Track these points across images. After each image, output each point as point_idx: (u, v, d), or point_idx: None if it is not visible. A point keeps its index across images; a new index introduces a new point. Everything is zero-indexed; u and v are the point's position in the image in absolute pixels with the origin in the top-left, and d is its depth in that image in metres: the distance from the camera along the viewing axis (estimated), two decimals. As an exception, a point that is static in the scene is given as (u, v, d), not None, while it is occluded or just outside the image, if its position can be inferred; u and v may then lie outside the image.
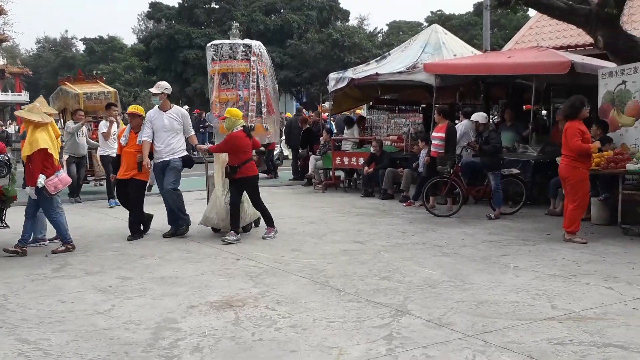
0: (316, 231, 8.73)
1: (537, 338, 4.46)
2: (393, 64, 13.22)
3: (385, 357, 4.15)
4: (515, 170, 10.22)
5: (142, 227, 8.66)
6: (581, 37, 13.78)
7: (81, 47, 79.66)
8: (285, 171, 17.22)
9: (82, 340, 4.50)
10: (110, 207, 11.16)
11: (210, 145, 10.56)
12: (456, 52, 13.22)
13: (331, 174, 13.85)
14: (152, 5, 53.20)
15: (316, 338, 4.50)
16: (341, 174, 14.20)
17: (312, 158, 14.36)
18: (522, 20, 36.51)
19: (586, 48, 13.80)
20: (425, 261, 6.87)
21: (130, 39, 78.60)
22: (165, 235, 8.43)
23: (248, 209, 8.51)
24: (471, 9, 54.35)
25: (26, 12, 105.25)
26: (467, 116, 11.38)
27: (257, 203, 8.34)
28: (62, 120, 14.02)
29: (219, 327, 4.76)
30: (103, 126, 11.50)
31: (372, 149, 12.78)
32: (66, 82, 14.01)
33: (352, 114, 17.35)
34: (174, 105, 8.93)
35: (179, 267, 6.70)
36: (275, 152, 18.60)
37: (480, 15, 48.87)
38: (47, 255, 7.39)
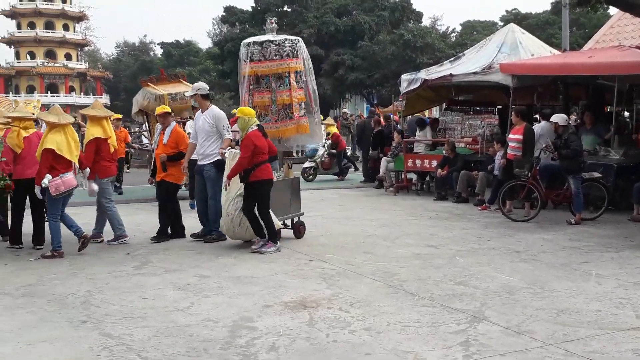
0: (388, 234, 8.69)
1: (621, 348, 4.30)
2: (467, 64, 13.01)
3: (462, 363, 4.10)
4: (596, 174, 9.86)
5: (170, 230, 8.54)
6: (667, 35, 13.17)
7: (159, 51, 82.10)
8: (355, 173, 17.24)
9: (162, 336, 4.65)
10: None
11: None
12: (534, 52, 12.88)
13: (403, 176, 13.76)
14: (226, 9, 54.35)
15: (391, 342, 4.48)
16: (413, 176, 14.09)
17: (383, 160, 14.30)
18: (602, 18, 35.20)
19: (672, 47, 13.17)
20: (502, 267, 6.73)
21: (205, 43, 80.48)
22: (193, 235, 8.36)
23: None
24: (549, 8, 52.84)
25: (106, 17, 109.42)
26: (546, 117, 11.09)
27: (263, 211, 7.60)
28: (146, 123, 13.79)
29: (294, 327, 4.82)
30: (189, 127, 10.70)
31: (444, 152, 12.63)
32: (149, 83, 13.16)
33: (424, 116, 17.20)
34: (212, 106, 8.48)
35: (253, 267, 6.81)
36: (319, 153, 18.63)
37: (558, 13, 47.57)
38: (128, 253, 7.65)
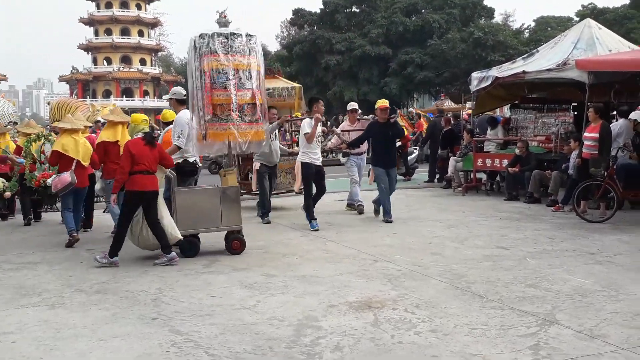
0: (456, 235, 8.56)
1: None
2: (541, 61, 12.67)
3: (531, 367, 3.99)
4: None
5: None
6: None
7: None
8: (420, 173, 17.07)
9: (229, 333, 4.74)
10: (314, 230, 9.14)
11: None
12: (611, 47, 12.41)
13: (472, 176, 13.53)
14: (295, 12, 54.93)
15: (457, 344, 4.42)
16: (483, 176, 13.83)
17: (452, 159, 14.09)
18: (687, 9, 33.59)
19: None
20: (575, 269, 6.52)
21: (273, 46, 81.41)
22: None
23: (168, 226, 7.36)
24: (627, 1, 50.79)
25: (179, 22, 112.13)
26: (624, 115, 10.69)
27: (148, 222, 7.24)
28: None
29: (359, 327, 4.81)
30: (307, 126, 9.41)
31: (517, 150, 12.33)
32: None
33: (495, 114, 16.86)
34: (182, 111, 8.22)
35: (319, 267, 6.85)
36: (413, 155, 18.54)
37: (637, 7, 45.72)
38: (197, 251, 7.83)
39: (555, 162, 11.79)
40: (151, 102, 67.83)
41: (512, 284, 6.00)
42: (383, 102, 10.00)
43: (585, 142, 9.96)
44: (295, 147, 11.25)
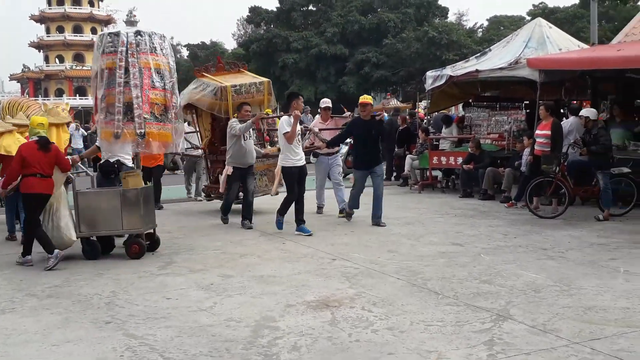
0: (413, 232, 8.64)
1: (650, 348, 4.21)
2: (494, 60, 12.88)
3: (486, 362, 4.05)
4: (625, 169, 9.69)
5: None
6: (700, 26, 12.85)
7: (185, 52, 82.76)
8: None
9: (185, 336, 4.67)
10: (307, 235, 8.56)
11: None
12: (562, 46, 12.70)
13: (428, 173, 13.67)
14: (251, 9, 54.63)
15: (414, 341, 4.45)
16: (438, 174, 13.98)
17: (408, 157, 14.22)
18: (632, 11, 34.54)
19: None
20: (528, 265, 6.64)
21: (230, 44, 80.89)
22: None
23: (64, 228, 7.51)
24: (577, 1, 52.03)
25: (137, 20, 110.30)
26: (574, 112, 10.93)
27: (26, 223, 7.29)
28: (195, 125, 11.82)
29: (316, 326, 4.81)
30: (285, 124, 8.60)
31: (469, 149, 12.51)
32: (204, 74, 10.96)
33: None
34: None
35: (277, 267, 6.82)
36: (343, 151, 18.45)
37: (586, 7, 46.79)
38: (153, 253, 7.71)
39: (508, 160, 11.99)
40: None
41: (467, 280, 6.08)
42: (365, 98, 9.40)
43: (537, 140, 10.15)
44: (269, 147, 10.60)
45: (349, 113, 10.63)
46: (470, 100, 15.17)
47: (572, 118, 10.93)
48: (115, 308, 5.43)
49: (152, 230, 7.85)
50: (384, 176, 9.31)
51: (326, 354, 4.26)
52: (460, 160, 12.70)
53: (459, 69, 13.46)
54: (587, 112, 9.82)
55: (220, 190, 10.02)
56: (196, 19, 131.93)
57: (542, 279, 6.04)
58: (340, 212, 10.02)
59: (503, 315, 4.96)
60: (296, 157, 8.70)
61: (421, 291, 5.74)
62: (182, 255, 7.53)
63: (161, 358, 4.26)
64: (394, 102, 33.79)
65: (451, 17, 56.38)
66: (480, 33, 53.91)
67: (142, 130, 7.29)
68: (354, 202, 9.49)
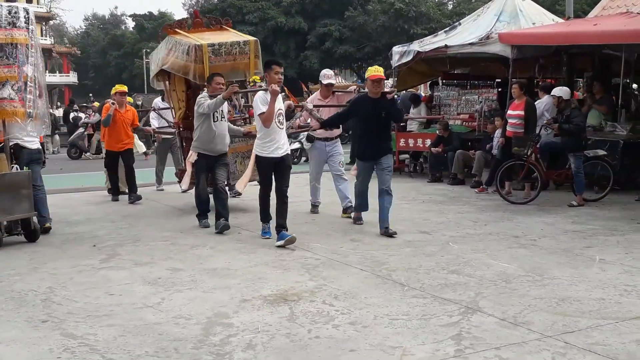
0: (377, 220, 8.66)
1: (624, 339, 4.32)
2: (464, 34, 12.99)
3: (454, 358, 4.09)
4: (601, 152, 9.89)
5: None
6: (679, 0, 13.15)
7: (131, 24, 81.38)
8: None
9: (130, 335, 4.62)
10: (264, 237, 7.76)
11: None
12: (535, 20, 12.86)
13: (395, 157, 13.75)
14: (203, -23, 53.82)
15: (377, 337, 4.48)
16: (406, 157, 14.07)
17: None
18: (610, -18, 35.06)
19: (684, 13, 13.17)
20: (499, 253, 6.74)
21: (181, 15, 79.89)
22: None
23: None
24: (553, -28, 52.69)
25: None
26: (547, 91, 11.07)
27: None
28: (168, 97, 10.35)
29: (273, 322, 4.80)
30: (260, 102, 7.33)
31: (437, 131, 12.61)
32: (177, 30, 9.57)
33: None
34: None
35: (231, 259, 6.79)
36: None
37: (562, -22, 47.48)
38: (95, 244, 7.60)
39: (479, 142, 12.14)
40: (42, 77, 65.06)
41: (434, 270, 6.15)
42: (376, 71, 7.91)
43: (510, 120, 10.29)
44: (253, 124, 9.08)
45: (355, 87, 9.62)
46: (440, 78, 15.28)
47: (546, 97, 11.08)
48: (52, 305, 5.33)
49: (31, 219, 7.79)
50: (392, 170, 8.15)
51: (284, 352, 4.26)
52: (428, 142, 12.80)
53: (427, 44, 13.53)
54: (560, 91, 9.96)
55: (182, 185, 9.14)
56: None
57: (513, 268, 6.14)
58: (345, 211, 9.06)
59: (472, 308, 5.03)
60: (274, 144, 7.40)
61: (385, 283, 5.78)
62: (127, 247, 7.43)
63: (102, 359, 4.21)
64: (339, 81, 34.06)
65: (420, -12, 56.51)
66: (451, 6, 54.19)
67: (31, 111, 7.63)
68: (362, 203, 8.39)
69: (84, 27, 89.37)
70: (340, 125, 9.10)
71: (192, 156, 8.37)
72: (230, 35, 9.45)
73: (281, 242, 7.24)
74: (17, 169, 7.83)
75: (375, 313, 4.96)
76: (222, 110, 8.27)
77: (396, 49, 14.09)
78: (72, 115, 24.40)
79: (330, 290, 5.57)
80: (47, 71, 66.98)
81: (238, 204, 10.03)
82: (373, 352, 4.22)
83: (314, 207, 9.52)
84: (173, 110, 10.34)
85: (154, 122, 12.43)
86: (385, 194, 7.91)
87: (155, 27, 73.45)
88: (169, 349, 4.35)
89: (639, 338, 4.34)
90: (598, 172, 10.01)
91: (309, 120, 8.84)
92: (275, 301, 5.31)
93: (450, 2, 55.36)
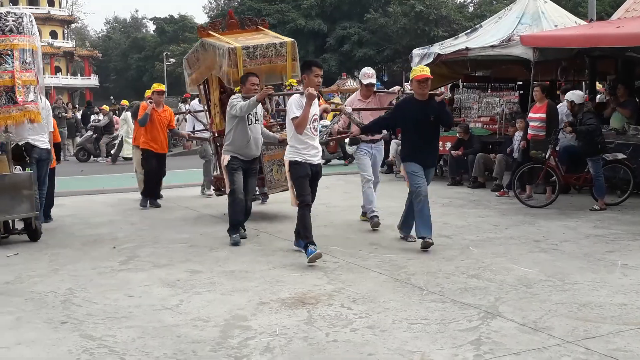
0: (397, 223, 8.63)
1: (647, 346, 4.27)
2: (485, 37, 12.93)
3: (473, 363, 4.07)
4: (621, 156, 9.79)
5: None
6: None
7: (151, 27, 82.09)
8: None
9: (148, 337, 4.64)
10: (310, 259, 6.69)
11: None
12: (557, 22, 12.78)
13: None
14: (223, -20, 54.10)
15: (395, 341, 4.46)
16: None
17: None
18: (634, -16, 34.66)
19: None
20: (520, 258, 6.69)
21: (201, 18, 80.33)
22: None
23: None
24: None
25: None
26: (569, 95, 10.99)
27: None
28: (205, 98, 9.86)
29: (291, 326, 4.80)
30: (295, 106, 6.77)
31: (457, 134, 12.56)
32: (210, 32, 9.23)
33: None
34: None
35: (249, 261, 6.80)
36: None
37: (585, -21, 47.08)
38: (114, 246, 7.66)
39: (500, 145, 12.06)
40: (64, 80, 65.77)
41: (454, 274, 6.11)
42: (422, 71, 7.22)
43: (531, 124, 10.22)
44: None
45: (398, 88, 8.97)
46: (460, 81, 15.21)
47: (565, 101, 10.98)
48: (71, 307, 5.38)
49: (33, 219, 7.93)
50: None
51: (301, 356, 4.26)
52: (448, 145, 12.74)
53: (448, 46, 13.48)
54: (572, 95, 9.89)
55: (211, 190, 9.14)
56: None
57: (534, 273, 6.09)
58: (364, 214, 8.79)
59: (492, 313, 4.99)
60: (309, 151, 6.84)
61: (404, 287, 5.76)
62: (146, 249, 7.48)
63: (121, 361, 4.24)
64: (350, 84, 33.61)
65: (440, -10, 56.38)
66: (472, 8, 54.00)
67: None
68: (419, 207, 7.24)
69: (106, 30, 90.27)
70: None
71: (224, 159, 7.86)
72: (266, 37, 9.03)
73: (298, 249, 7.01)
74: (20, 169, 8.01)
75: (393, 317, 4.95)
76: (256, 113, 7.82)
77: (416, 51, 14.06)
78: (92, 117, 24.63)
79: (349, 294, 5.56)
80: (68, 74, 67.86)
81: (258, 205, 10.05)
82: (392, 357, 4.21)
83: (373, 219, 8.44)
84: (207, 113, 10.08)
85: (188, 124, 12.35)
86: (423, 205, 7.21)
87: (175, 30, 74.14)
88: (187, 351, 4.37)
89: (662, 345, 4.29)
90: (619, 175, 9.91)
91: (345, 125, 8.60)
92: (293, 304, 5.31)
93: (471, 4, 55.19)
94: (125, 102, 23.12)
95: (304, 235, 6.79)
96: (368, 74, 8.55)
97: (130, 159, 19.29)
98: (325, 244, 7.48)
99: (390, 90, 9.53)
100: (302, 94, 6.83)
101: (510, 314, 4.95)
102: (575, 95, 9.86)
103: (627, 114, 11.16)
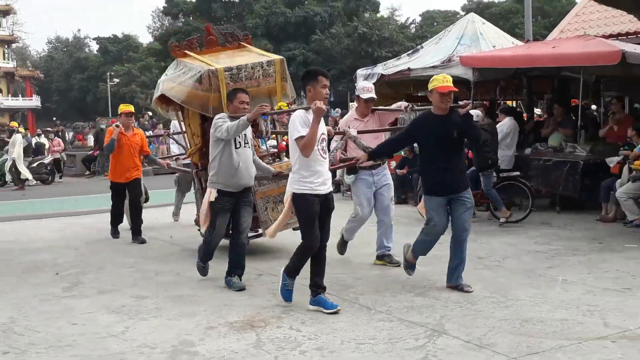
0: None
1: (588, 359, 4.37)
2: (426, 57, 13.13)
3: (420, 383, 4.10)
4: (515, 173, 10.17)
5: None
6: (633, 23, 13.54)
7: (94, 46, 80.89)
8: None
9: (93, 366, 4.53)
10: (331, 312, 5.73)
11: None
12: (495, 43, 13.08)
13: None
14: (168, 0, 53.86)
15: (344, 362, 4.46)
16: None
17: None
18: (567, 6, 35.99)
19: (638, 36, 13.56)
20: (464, 275, 6.73)
21: (145, 38, 79.63)
22: None
23: None
24: (512, -5, 53.87)
25: (36, 11, 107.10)
26: (508, 113, 11.25)
27: None
28: (180, 123, 8.94)
29: (239, 350, 4.75)
30: (299, 124, 5.68)
31: (402, 152, 12.71)
32: (187, 52, 8.13)
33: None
34: None
35: (197, 285, 6.72)
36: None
37: (521, 2, 48.53)
38: (57, 272, 7.46)
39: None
40: (4, 101, 64.13)
41: (400, 293, 6.16)
42: (445, 81, 6.18)
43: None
44: (285, 160, 8.08)
45: (405, 104, 7.76)
46: (403, 101, 15.38)
47: (507, 119, 11.25)
48: (13, 336, 5.22)
49: None
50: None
51: (250, 380, 4.22)
52: (393, 164, 12.88)
53: (391, 67, 13.64)
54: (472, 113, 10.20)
55: (201, 224, 7.21)
56: (107, 9, 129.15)
57: (478, 290, 6.18)
58: (380, 258, 7.54)
59: (438, 330, 5.04)
60: (316, 177, 5.74)
61: (352, 306, 5.77)
62: (90, 275, 7.32)
63: (65, 392, 4.12)
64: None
65: (383, 12, 57.35)
66: (413, 29, 55.00)
67: None
68: (424, 245, 6.51)
69: (47, 50, 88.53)
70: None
71: (211, 194, 6.61)
72: (251, 55, 8.03)
73: (317, 308, 5.71)
74: None
75: (342, 338, 4.95)
76: (245, 135, 6.66)
77: (360, 72, 14.19)
78: (34, 140, 23.93)
79: (297, 316, 5.54)
80: (9, 95, 66.26)
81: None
82: (340, 378, 4.20)
83: (390, 257, 7.54)
84: (186, 136, 8.74)
85: (174, 147, 11.24)
86: (462, 242, 6.36)
87: (119, 49, 73.23)
88: (133, 379, 4.28)
89: (602, 358, 4.40)
90: (514, 193, 10.27)
91: (349, 152, 7.37)
92: (242, 328, 5.27)
93: (412, 25, 56.20)
94: (14, 124, 22.60)
95: (292, 273, 5.90)
96: (367, 87, 7.59)
97: (25, 180, 18.73)
98: (275, 265, 7.43)
99: (393, 106, 8.22)
100: (307, 109, 5.77)
101: (456, 331, 5.00)
102: (474, 113, 10.13)
103: (569, 133, 11.47)
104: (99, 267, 7.70)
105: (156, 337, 5.08)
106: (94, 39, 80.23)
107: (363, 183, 7.37)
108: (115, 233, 9.70)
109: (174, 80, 7.85)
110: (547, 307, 5.60)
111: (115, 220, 9.74)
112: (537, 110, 17.18)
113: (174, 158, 10.60)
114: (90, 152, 23.19)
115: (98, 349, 4.86)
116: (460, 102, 6.34)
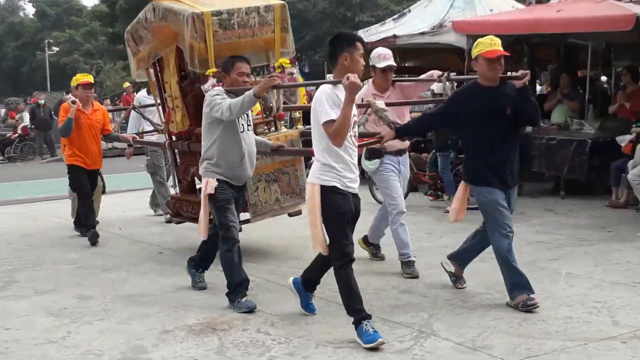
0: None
1: (594, 363, 4.45)
2: (414, 22, 13.17)
3: (405, 390, 4.14)
4: None
5: None
6: (648, -16, 13.62)
7: (30, 10, 79.80)
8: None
9: (29, 376, 4.52)
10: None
11: None
12: (493, 6, 13.14)
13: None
14: (116, -44, 53.15)
15: (319, 368, 4.49)
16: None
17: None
18: (575, -36, 35.98)
19: (654, -2, 13.66)
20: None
21: (90, 0, 78.78)
22: None
23: None
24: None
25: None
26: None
27: None
28: (157, 87, 8.19)
29: (199, 356, 4.78)
30: (327, 104, 4.97)
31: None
32: None
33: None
34: None
35: (150, 283, 6.72)
36: None
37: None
38: (-12, 271, 7.42)
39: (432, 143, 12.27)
40: None
41: (384, 290, 6.21)
42: (492, 45, 5.74)
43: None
44: (283, 130, 7.56)
45: (438, 73, 6.94)
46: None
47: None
48: (-64, 344, 5.19)
49: None
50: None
51: (211, 390, 4.24)
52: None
53: (374, 33, 13.65)
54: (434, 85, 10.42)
55: (201, 233, 6.35)
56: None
57: (471, 285, 6.24)
58: (408, 265, 6.85)
59: (425, 332, 5.09)
60: (350, 172, 5.15)
61: (329, 305, 5.81)
62: (27, 272, 7.29)
63: (-3, 407, 4.11)
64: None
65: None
66: (401, -11, 54.97)
67: None
68: (507, 261, 5.86)
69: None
70: None
71: (209, 185, 6.02)
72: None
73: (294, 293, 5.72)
74: None
75: (317, 341, 4.99)
76: (247, 115, 6.17)
77: (338, 39, 14.16)
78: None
79: (266, 317, 5.57)
80: None
81: (160, 220, 9.93)
82: (314, 387, 4.23)
83: (409, 265, 6.83)
84: (161, 108, 8.28)
85: (131, 125, 10.59)
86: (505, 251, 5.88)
87: (59, 13, 72.29)
88: (77, 391, 4.28)
89: (610, 360, 4.47)
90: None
91: (374, 127, 6.76)
92: (202, 331, 5.28)
93: (399, -15, 56.12)
94: None
95: (352, 309, 5.08)
96: (383, 54, 6.95)
97: None
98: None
99: (423, 76, 7.37)
100: (335, 83, 5.10)
101: (446, 332, 5.06)
102: (435, 85, 10.27)
103: (576, 107, 11.53)
104: (36, 264, 7.66)
105: (103, 343, 5.08)
106: (29, 1, 79.08)
107: (390, 170, 6.87)
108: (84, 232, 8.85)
109: (158, 31, 7.47)
110: (549, 304, 5.67)
111: (85, 217, 8.84)
112: (538, 87, 17.28)
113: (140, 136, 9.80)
114: (9, 134, 22.78)
115: (35, 357, 4.86)
116: (516, 73, 5.94)
